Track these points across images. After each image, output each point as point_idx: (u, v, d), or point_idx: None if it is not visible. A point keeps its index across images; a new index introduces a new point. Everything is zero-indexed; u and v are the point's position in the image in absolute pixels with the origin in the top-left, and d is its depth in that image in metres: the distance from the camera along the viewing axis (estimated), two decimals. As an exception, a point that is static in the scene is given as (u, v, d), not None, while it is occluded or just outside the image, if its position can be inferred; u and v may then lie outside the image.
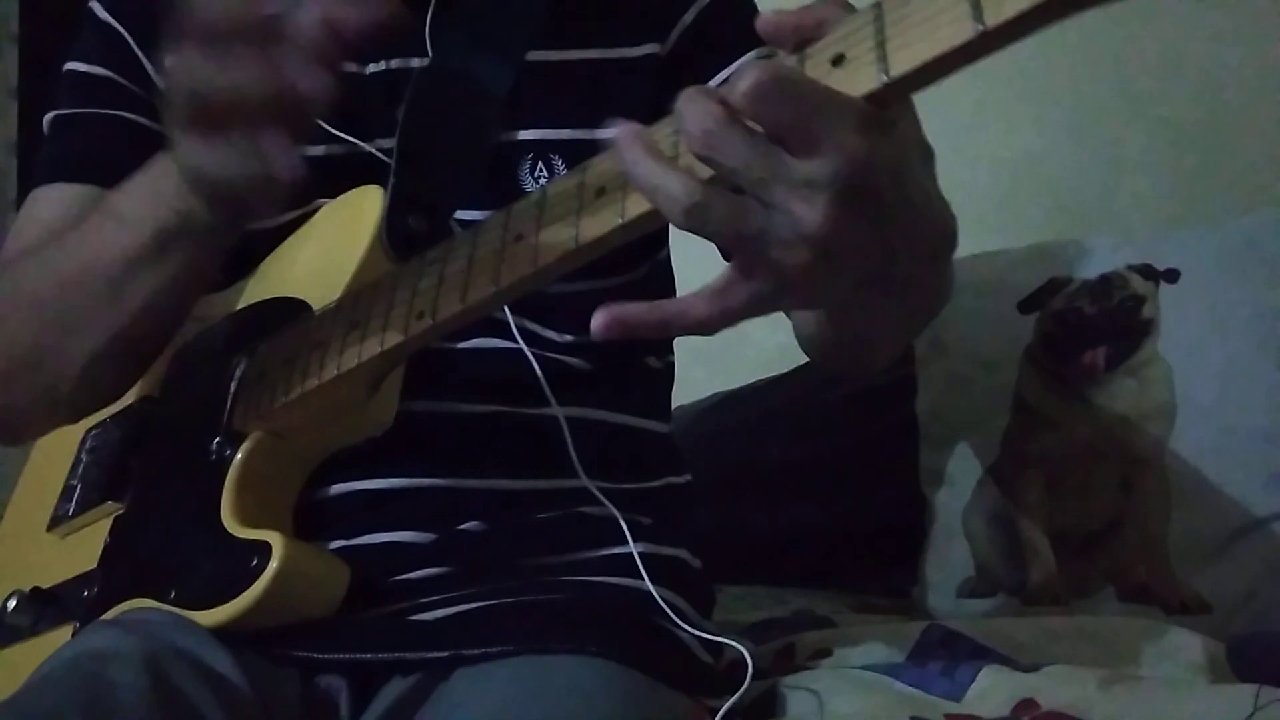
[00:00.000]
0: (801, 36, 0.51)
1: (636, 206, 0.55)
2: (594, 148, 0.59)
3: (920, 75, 0.47)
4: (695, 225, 0.50)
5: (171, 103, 0.63)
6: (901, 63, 0.47)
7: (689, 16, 0.87)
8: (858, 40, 0.49)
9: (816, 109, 0.47)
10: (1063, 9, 0.44)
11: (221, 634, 0.70)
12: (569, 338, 0.84)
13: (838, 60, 0.49)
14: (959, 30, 0.45)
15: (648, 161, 0.50)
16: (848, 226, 0.48)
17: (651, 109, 0.56)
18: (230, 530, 0.73)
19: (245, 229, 0.77)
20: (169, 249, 0.72)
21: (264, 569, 0.69)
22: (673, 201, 0.49)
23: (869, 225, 0.49)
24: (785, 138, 0.48)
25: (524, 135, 0.84)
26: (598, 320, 0.53)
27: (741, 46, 0.84)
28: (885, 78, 0.47)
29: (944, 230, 0.57)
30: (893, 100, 0.49)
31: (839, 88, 0.48)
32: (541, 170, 0.83)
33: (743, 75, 0.47)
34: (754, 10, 0.88)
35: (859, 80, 0.48)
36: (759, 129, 0.48)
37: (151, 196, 0.71)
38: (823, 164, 0.47)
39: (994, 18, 0.44)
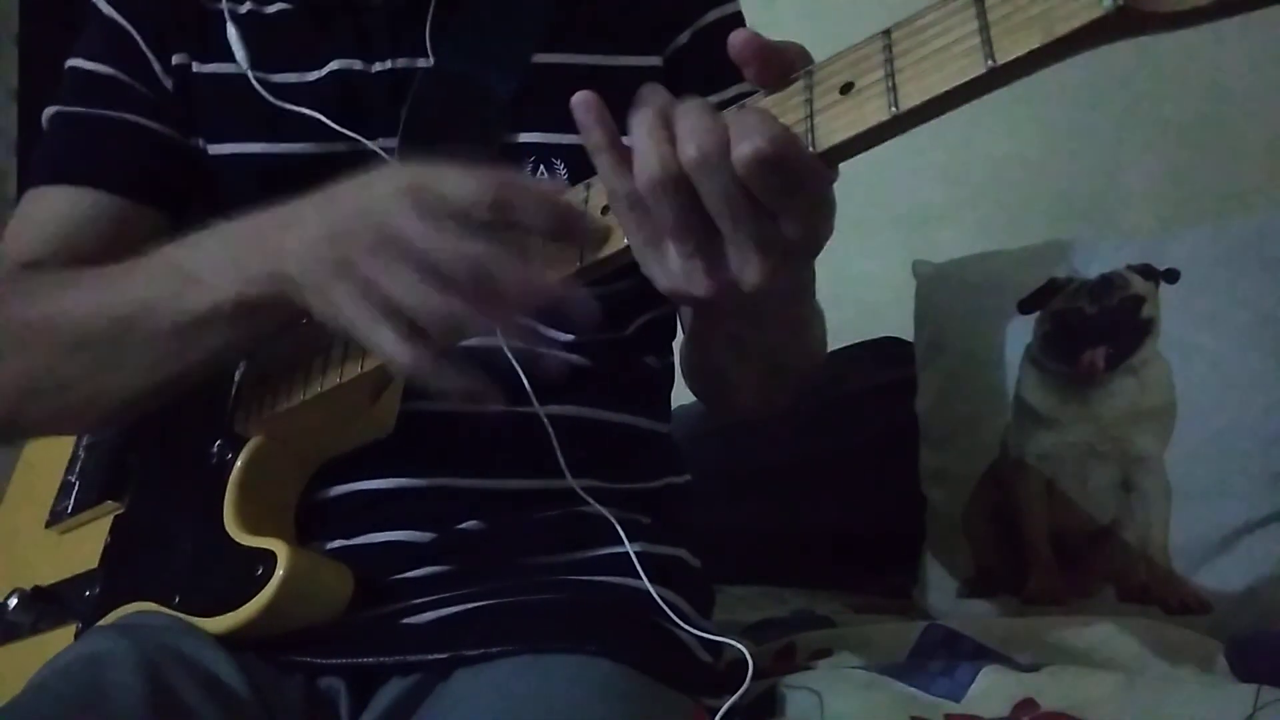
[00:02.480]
0: (768, 70, 0.53)
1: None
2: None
3: (928, 109, 0.47)
4: (654, 196, 0.52)
5: (363, 245, 0.60)
6: (911, 95, 0.47)
7: (684, 37, 0.88)
8: (867, 69, 0.49)
9: (802, 184, 0.51)
10: (1073, 47, 0.44)
11: (223, 639, 0.70)
12: (569, 336, 0.84)
13: (846, 88, 0.50)
14: (969, 65, 0.45)
15: (651, 119, 0.52)
16: (775, 282, 0.53)
17: None
18: (234, 536, 0.73)
19: None
20: (249, 317, 0.69)
21: (269, 578, 0.69)
22: (646, 164, 0.52)
23: (786, 282, 0.54)
24: (766, 198, 0.51)
25: (526, 138, 0.83)
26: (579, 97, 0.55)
27: (731, 77, 0.84)
28: (895, 109, 0.47)
29: (809, 280, 0.66)
30: (898, 132, 0.49)
31: (846, 116, 0.49)
32: (543, 174, 0.83)
33: (749, 135, 0.50)
34: None
35: (867, 111, 0.49)
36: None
37: (236, 268, 0.68)
38: (790, 228, 0.51)
39: (1005, 54, 0.44)
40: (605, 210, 0.58)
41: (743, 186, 0.50)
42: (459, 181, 0.60)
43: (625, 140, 0.55)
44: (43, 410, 0.79)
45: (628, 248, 0.56)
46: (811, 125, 0.50)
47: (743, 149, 0.49)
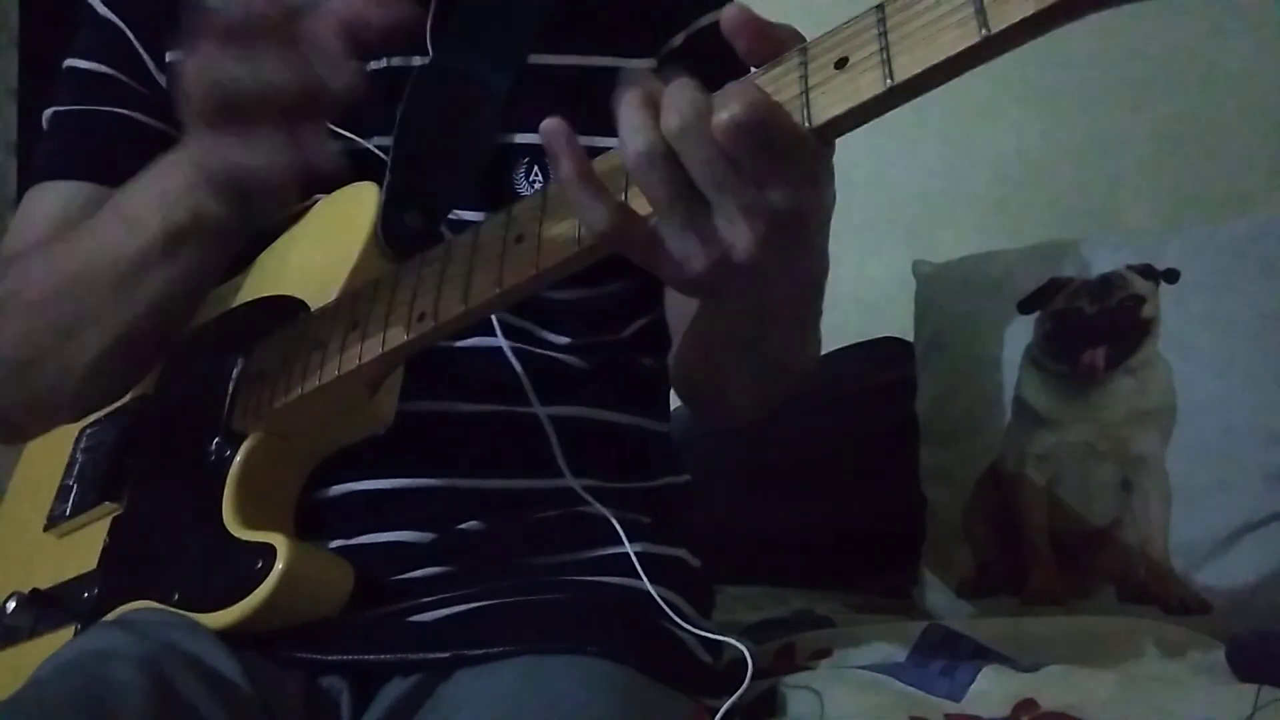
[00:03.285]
0: (760, 48, 0.53)
1: (640, 207, 0.55)
2: (591, 155, 0.59)
3: (924, 80, 0.47)
4: (643, 171, 0.53)
5: (192, 101, 0.62)
6: (905, 67, 0.47)
7: (678, 39, 0.88)
8: (861, 44, 0.49)
9: (787, 152, 0.51)
10: (1067, 14, 0.44)
11: (225, 635, 0.70)
12: (566, 339, 0.85)
13: (841, 63, 0.50)
14: (963, 35, 0.45)
15: (636, 97, 0.53)
16: (768, 253, 0.53)
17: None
18: (233, 532, 0.73)
19: (256, 227, 0.76)
20: (179, 248, 0.71)
21: (269, 571, 0.69)
22: (631, 139, 0.52)
23: (782, 257, 0.54)
24: (749, 166, 0.51)
25: (520, 139, 0.84)
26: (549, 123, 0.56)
27: (726, 79, 0.85)
28: (890, 82, 0.48)
29: (820, 276, 0.64)
30: (894, 105, 0.49)
31: (842, 90, 0.50)
32: (536, 175, 0.83)
33: (727, 103, 0.50)
34: None
35: (862, 84, 0.49)
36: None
37: (160, 196, 0.70)
38: (776, 196, 0.52)
39: (998, 23, 0.44)
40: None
41: (725, 154, 0.51)
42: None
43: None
44: (26, 393, 0.79)
45: None
46: (807, 101, 0.51)
47: (721, 115, 0.50)
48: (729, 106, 0.50)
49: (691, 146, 0.51)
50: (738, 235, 0.53)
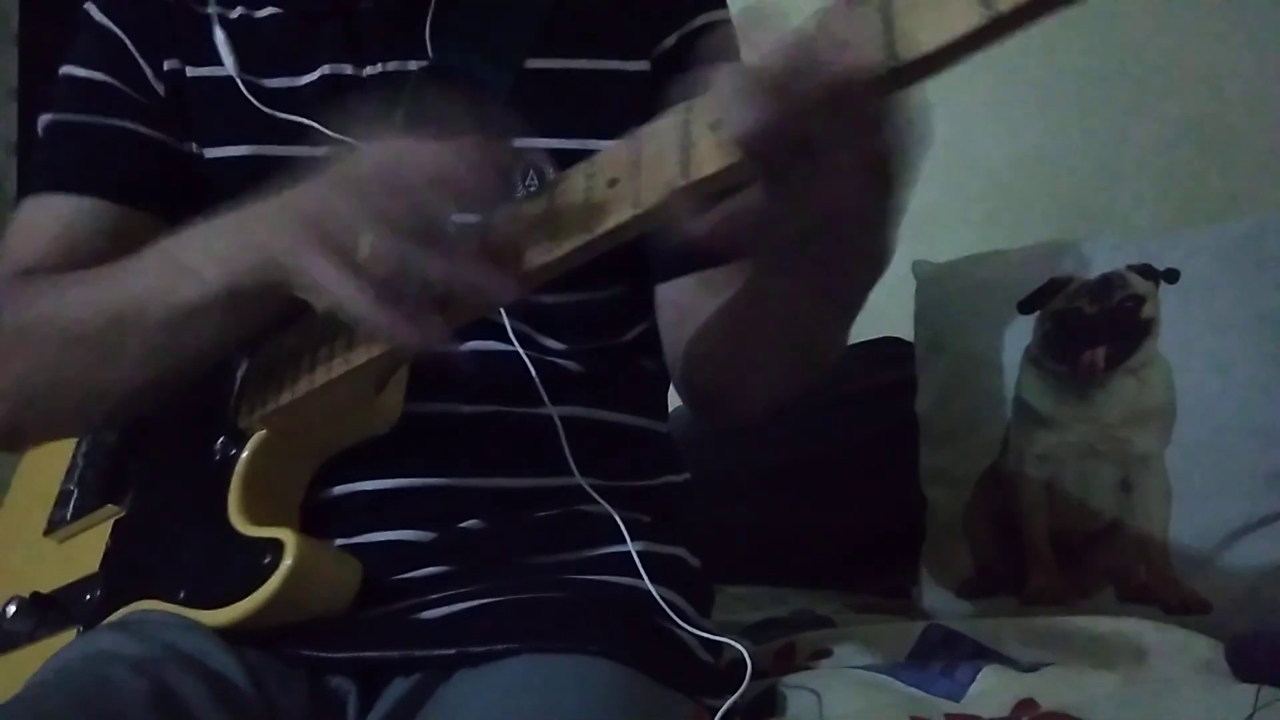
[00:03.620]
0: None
1: (651, 196, 0.55)
2: (587, 158, 0.59)
3: (928, 62, 0.47)
4: (764, 120, 0.49)
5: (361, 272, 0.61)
6: (909, 49, 0.47)
7: (670, 40, 0.88)
8: (865, 26, 0.49)
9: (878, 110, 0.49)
10: None
11: (228, 635, 0.70)
12: (565, 345, 0.85)
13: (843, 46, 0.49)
14: (968, 16, 0.45)
15: (734, 69, 0.51)
16: (866, 202, 0.52)
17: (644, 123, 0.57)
18: (239, 529, 0.73)
19: None
20: (238, 307, 0.70)
21: (277, 566, 0.69)
22: (745, 114, 0.50)
23: (876, 212, 0.53)
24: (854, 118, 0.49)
25: (517, 142, 0.84)
26: None
27: None
28: (893, 63, 0.47)
29: (884, 258, 0.61)
30: (899, 87, 0.49)
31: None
32: (533, 179, 0.83)
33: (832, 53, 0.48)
34: (734, 46, 0.89)
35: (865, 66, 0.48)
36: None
37: (224, 259, 0.69)
38: (878, 143, 0.51)
39: (1005, 3, 0.44)
40: (613, 183, 0.58)
41: (830, 103, 0.49)
42: (430, 149, 0.61)
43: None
44: (43, 412, 0.79)
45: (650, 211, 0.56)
46: None
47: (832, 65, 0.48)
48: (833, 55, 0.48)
49: (800, 80, 0.48)
50: (841, 185, 0.51)
